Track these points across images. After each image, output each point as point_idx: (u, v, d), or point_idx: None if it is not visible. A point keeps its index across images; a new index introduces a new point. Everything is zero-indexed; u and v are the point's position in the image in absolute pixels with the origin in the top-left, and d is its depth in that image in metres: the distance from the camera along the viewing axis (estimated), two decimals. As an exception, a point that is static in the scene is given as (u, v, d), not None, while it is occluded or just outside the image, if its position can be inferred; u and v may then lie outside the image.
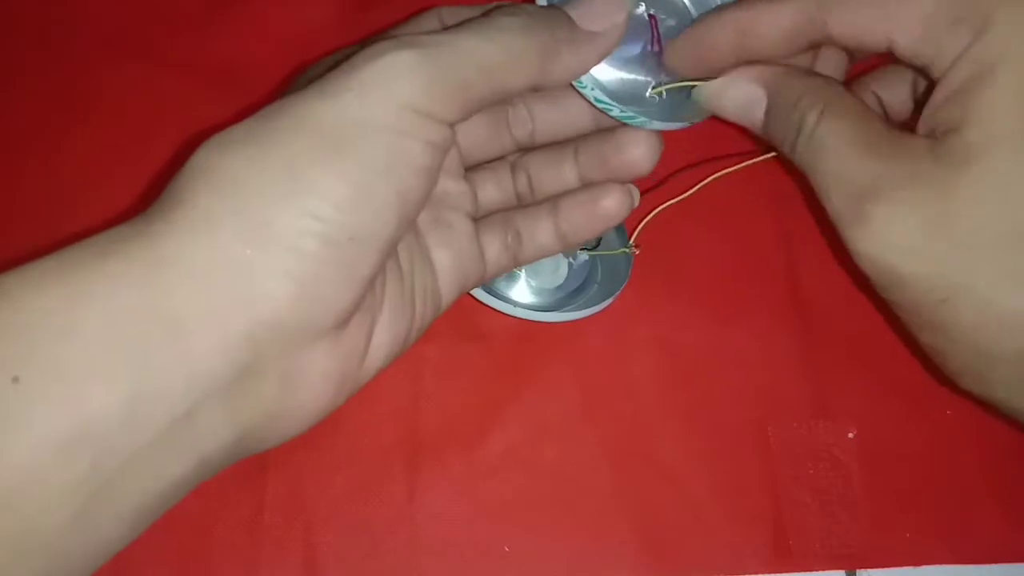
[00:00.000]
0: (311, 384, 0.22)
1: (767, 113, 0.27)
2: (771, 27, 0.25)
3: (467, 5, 0.28)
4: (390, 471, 0.33)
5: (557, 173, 0.30)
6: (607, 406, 0.34)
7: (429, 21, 0.28)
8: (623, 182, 0.29)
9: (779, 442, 0.34)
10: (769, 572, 0.32)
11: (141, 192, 0.37)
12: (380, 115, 0.21)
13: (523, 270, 0.34)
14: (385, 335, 0.24)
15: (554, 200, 0.29)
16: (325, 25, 0.40)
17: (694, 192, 0.31)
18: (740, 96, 0.27)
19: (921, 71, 0.24)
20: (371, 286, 0.22)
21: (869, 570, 0.32)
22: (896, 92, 0.29)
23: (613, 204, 0.29)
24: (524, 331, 0.35)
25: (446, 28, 0.27)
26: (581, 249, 0.34)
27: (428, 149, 0.22)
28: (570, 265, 0.34)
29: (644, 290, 0.35)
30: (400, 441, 0.33)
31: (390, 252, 0.23)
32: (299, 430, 0.23)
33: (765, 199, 0.37)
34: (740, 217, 0.36)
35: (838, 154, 0.24)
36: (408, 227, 0.23)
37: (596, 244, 0.34)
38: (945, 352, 0.23)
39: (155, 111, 0.38)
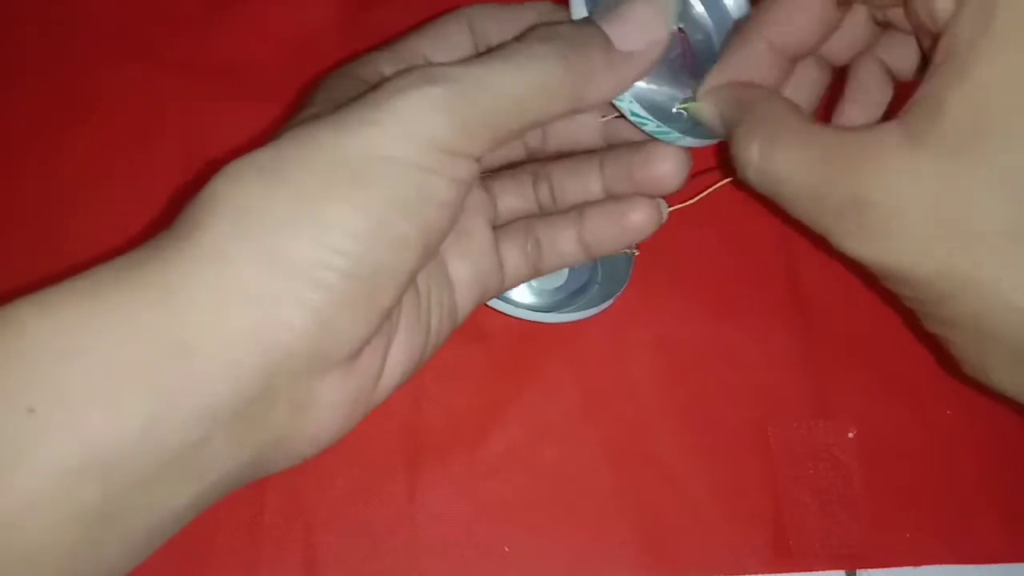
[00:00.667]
0: (323, 411, 0.22)
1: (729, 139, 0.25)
2: (802, 22, 0.25)
3: (498, 2, 0.27)
4: (390, 472, 0.33)
5: (582, 183, 0.29)
6: (607, 406, 0.34)
7: (457, 23, 0.27)
8: (651, 196, 0.28)
9: (779, 442, 0.34)
10: (769, 572, 0.32)
11: (141, 192, 0.37)
12: (404, 152, 0.21)
13: None
14: (400, 355, 0.24)
15: (579, 209, 0.29)
16: (325, 25, 0.40)
17: (703, 198, 0.30)
18: (711, 115, 0.26)
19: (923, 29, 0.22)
20: (388, 316, 0.22)
21: (869, 570, 0.32)
22: (901, 57, 0.28)
23: (641, 218, 0.28)
24: (524, 331, 0.35)
25: (478, 54, 0.26)
26: None
27: (453, 185, 0.22)
28: (570, 267, 0.34)
29: (644, 290, 0.35)
30: (400, 441, 0.33)
31: (410, 283, 0.22)
32: (312, 454, 0.23)
33: (765, 199, 0.37)
34: (740, 217, 0.36)
35: (799, 180, 0.23)
36: (430, 259, 0.23)
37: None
38: (951, 342, 0.23)
39: (155, 111, 0.38)
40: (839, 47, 0.27)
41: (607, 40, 0.24)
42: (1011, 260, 0.20)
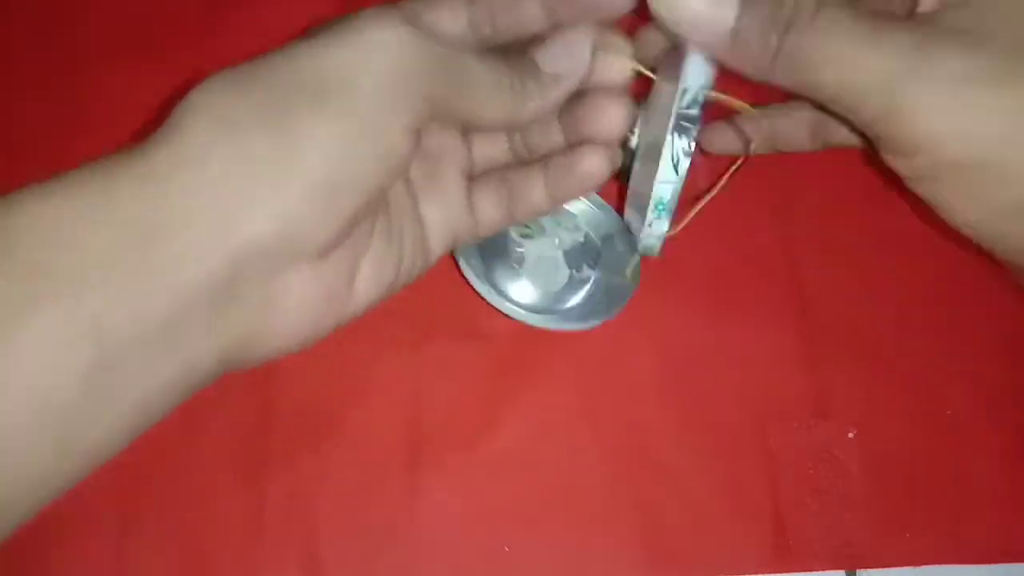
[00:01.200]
0: (292, 307, 0.23)
1: (738, 20, 0.24)
2: None
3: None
4: (390, 471, 0.33)
5: (546, 133, 0.30)
6: (607, 406, 0.34)
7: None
8: (602, 144, 0.29)
9: (779, 442, 0.34)
10: (769, 572, 0.32)
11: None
12: (375, 72, 0.22)
13: (524, 270, 0.34)
14: (370, 273, 0.26)
15: (545, 159, 0.30)
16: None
17: (724, 186, 0.31)
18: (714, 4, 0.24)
19: None
20: (354, 226, 0.24)
21: (869, 570, 0.32)
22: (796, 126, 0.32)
23: (591, 166, 0.29)
24: (524, 331, 0.35)
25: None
26: (587, 266, 0.34)
27: (420, 110, 0.23)
28: (572, 275, 0.34)
29: (644, 290, 0.35)
30: (400, 441, 0.33)
31: (375, 199, 0.24)
32: (285, 349, 0.24)
33: (765, 199, 0.37)
34: (740, 217, 0.36)
35: (853, 39, 0.22)
36: (395, 179, 0.24)
37: (597, 259, 0.34)
38: (957, 208, 0.23)
39: (155, 111, 0.38)
40: None
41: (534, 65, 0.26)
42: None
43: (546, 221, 0.34)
